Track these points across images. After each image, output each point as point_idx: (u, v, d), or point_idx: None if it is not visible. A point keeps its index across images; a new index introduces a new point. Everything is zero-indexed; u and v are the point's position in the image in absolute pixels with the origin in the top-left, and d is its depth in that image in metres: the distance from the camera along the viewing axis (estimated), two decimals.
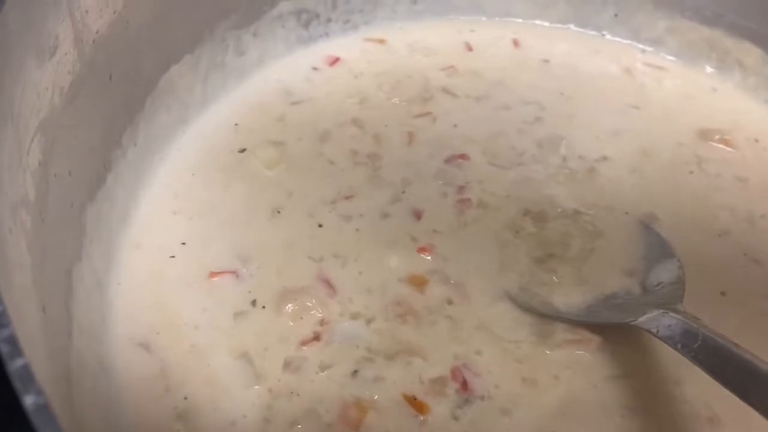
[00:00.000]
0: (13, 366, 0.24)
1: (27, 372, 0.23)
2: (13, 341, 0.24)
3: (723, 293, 0.60)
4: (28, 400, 0.23)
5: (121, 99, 0.58)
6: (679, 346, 0.49)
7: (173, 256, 0.57)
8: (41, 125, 0.44)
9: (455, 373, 0.52)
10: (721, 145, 0.74)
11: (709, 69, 0.82)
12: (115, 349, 0.51)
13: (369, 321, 0.55)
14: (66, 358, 0.44)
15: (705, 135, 0.74)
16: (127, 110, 0.59)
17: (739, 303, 0.59)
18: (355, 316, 0.55)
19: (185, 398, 0.49)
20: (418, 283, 0.57)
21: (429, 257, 0.59)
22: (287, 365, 0.51)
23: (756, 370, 0.44)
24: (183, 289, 0.55)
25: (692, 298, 0.53)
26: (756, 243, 0.65)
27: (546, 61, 0.81)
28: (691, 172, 0.70)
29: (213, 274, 0.56)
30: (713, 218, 0.66)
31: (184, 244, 0.58)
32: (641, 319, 0.52)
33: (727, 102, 0.80)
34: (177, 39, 0.64)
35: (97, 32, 0.51)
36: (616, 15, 0.84)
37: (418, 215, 0.62)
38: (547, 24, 0.85)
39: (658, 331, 0.50)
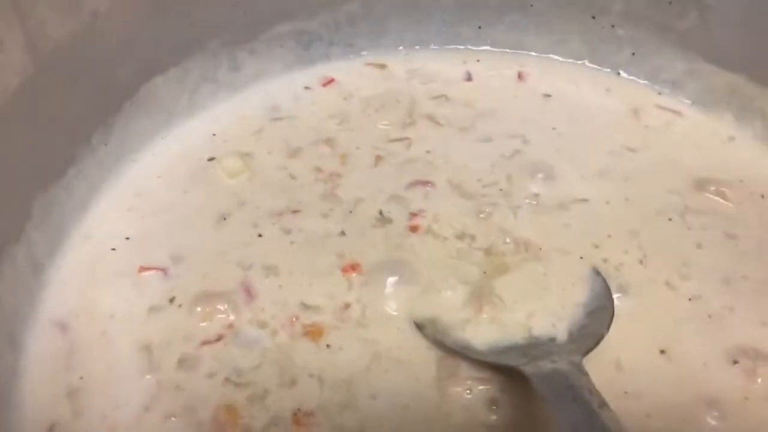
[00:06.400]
0: None
1: None
2: None
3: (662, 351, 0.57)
4: None
5: (90, 102, 0.62)
6: (549, 399, 0.47)
7: (114, 249, 0.61)
8: None
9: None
10: (716, 198, 0.69)
11: (728, 116, 0.77)
12: (31, 326, 0.55)
13: (274, 333, 0.56)
14: None
15: (701, 185, 0.70)
16: (100, 112, 0.64)
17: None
18: (262, 325, 0.56)
19: (81, 378, 0.53)
20: (336, 304, 0.58)
21: (353, 276, 0.60)
22: (181, 362, 0.54)
23: None
24: (113, 280, 0.59)
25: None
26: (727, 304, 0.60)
27: (547, 95, 0.79)
28: (670, 220, 0.66)
29: (142, 269, 0.59)
30: (682, 276, 0.62)
31: (127, 238, 0.62)
32: (527, 366, 0.50)
33: (742, 152, 0.74)
34: (161, 52, 0.68)
35: (56, 41, 0.56)
36: (633, 54, 0.80)
37: (358, 234, 0.63)
38: (560, 59, 0.83)
39: (534, 379, 0.48)
